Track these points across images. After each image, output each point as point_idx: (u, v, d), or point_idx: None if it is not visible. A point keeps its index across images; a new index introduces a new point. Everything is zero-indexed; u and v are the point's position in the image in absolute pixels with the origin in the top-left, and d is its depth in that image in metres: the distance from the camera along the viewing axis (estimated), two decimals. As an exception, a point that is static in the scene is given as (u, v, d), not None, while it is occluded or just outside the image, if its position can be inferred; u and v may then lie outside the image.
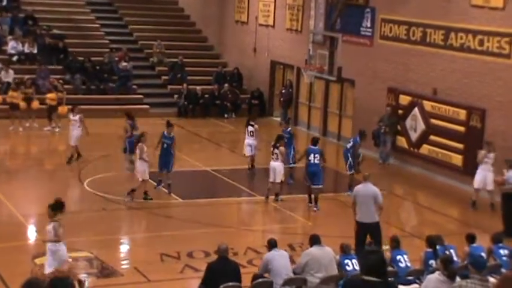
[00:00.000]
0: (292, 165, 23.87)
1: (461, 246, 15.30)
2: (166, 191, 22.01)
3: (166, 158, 21.90)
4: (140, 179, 21.25)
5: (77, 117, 24.83)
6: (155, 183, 22.15)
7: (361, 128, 24.20)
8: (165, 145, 21.90)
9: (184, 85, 34.31)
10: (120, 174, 23.76)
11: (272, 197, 21.94)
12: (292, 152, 23.99)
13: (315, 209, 21.45)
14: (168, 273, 16.42)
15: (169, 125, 22.40)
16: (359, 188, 17.48)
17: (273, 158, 21.91)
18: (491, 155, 21.80)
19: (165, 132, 22.10)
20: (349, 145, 23.36)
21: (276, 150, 21.85)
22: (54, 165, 26.46)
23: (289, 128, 24.88)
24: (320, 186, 21.49)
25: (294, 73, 33.33)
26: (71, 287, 7.16)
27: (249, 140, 25.02)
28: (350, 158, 22.97)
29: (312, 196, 21.57)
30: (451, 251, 14.86)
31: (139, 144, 21.26)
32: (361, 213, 16.97)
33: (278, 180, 21.80)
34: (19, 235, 18.80)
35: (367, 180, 17.40)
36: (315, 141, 22.05)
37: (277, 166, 21.79)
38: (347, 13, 29.42)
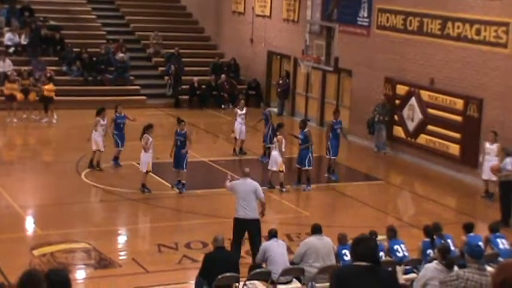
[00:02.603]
0: (269, 145, 24.57)
1: (459, 235, 15.33)
2: (176, 190, 21.63)
3: (180, 155, 21.52)
4: (144, 171, 21.21)
5: (106, 121, 23.40)
6: (171, 184, 21.96)
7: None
8: (179, 142, 21.67)
9: (166, 78, 34.28)
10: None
11: (277, 187, 22.15)
12: (269, 132, 24.64)
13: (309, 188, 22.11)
14: (166, 264, 16.45)
15: (179, 121, 22.00)
16: (238, 183, 16.72)
17: (273, 148, 22.23)
18: (494, 145, 21.60)
19: (178, 130, 21.86)
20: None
21: (275, 139, 22.10)
22: (51, 156, 26.46)
23: (268, 110, 25.90)
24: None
25: (291, 63, 33.30)
26: (67, 279, 7.16)
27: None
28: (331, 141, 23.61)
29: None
30: (448, 240, 14.87)
31: (145, 135, 21.19)
32: (240, 210, 16.21)
33: (273, 168, 21.93)
34: (17, 226, 18.79)
35: (246, 176, 16.67)
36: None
37: (274, 155, 21.97)
38: (344, 3, 29.40)
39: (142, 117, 27.05)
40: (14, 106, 29.54)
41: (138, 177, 21.54)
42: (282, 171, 21.98)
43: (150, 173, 21.57)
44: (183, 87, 34.31)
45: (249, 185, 16.36)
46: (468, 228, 15.32)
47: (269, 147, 24.88)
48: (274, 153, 22.07)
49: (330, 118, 30.75)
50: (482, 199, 22.04)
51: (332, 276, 7.53)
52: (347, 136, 24.16)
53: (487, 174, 21.63)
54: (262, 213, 16.69)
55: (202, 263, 13.83)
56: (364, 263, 7.10)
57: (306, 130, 22.44)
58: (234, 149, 25.87)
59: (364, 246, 7.19)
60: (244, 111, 25.77)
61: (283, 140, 22.25)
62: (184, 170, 21.48)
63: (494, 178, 21.26)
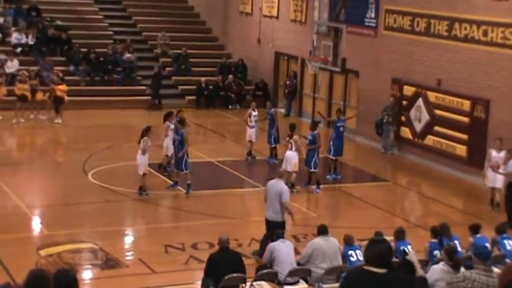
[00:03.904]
0: (273, 145, 24.96)
1: (465, 236, 15.29)
2: (184, 190, 21.53)
3: (177, 157, 21.53)
4: (141, 173, 21.17)
5: (174, 124, 22.68)
6: (171, 182, 22.02)
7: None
8: (177, 142, 21.70)
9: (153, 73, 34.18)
10: (124, 165, 23.75)
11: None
12: (274, 132, 24.84)
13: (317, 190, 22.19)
14: (173, 265, 16.46)
15: (179, 121, 21.98)
16: (270, 183, 16.77)
17: (289, 148, 22.09)
18: (502, 153, 20.91)
19: (178, 130, 21.89)
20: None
21: (291, 140, 21.99)
22: (58, 156, 26.49)
23: (273, 109, 25.73)
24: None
25: (299, 64, 33.29)
26: (74, 279, 7.17)
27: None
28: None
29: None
30: (455, 242, 14.85)
31: (144, 138, 21.15)
32: (267, 210, 16.39)
33: (289, 169, 21.72)
34: (24, 227, 18.82)
35: (280, 177, 16.74)
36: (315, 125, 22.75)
37: (289, 155, 21.87)
38: (351, 4, 29.38)
39: (148, 117, 27.11)
40: (25, 106, 29.58)
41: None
42: (296, 172, 21.92)
43: (156, 173, 21.56)
44: (186, 87, 34.34)
45: (276, 186, 16.43)
46: (475, 229, 15.27)
47: (275, 147, 24.88)
48: (289, 153, 21.97)
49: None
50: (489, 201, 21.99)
51: (342, 280, 7.36)
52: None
53: (491, 181, 21.39)
54: (290, 217, 16.59)
55: (206, 263, 13.86)
56: (374, 268, 6.95)
57: (316, 132, 22.30)
58: (251, 152, 25.57)
59: (376, 249, 7.00)
60: (256, 112, 25.64)
61: (298, 140, 22.18)
62: (185, 171, 21.37)
63: (499, 186, 21.08)
